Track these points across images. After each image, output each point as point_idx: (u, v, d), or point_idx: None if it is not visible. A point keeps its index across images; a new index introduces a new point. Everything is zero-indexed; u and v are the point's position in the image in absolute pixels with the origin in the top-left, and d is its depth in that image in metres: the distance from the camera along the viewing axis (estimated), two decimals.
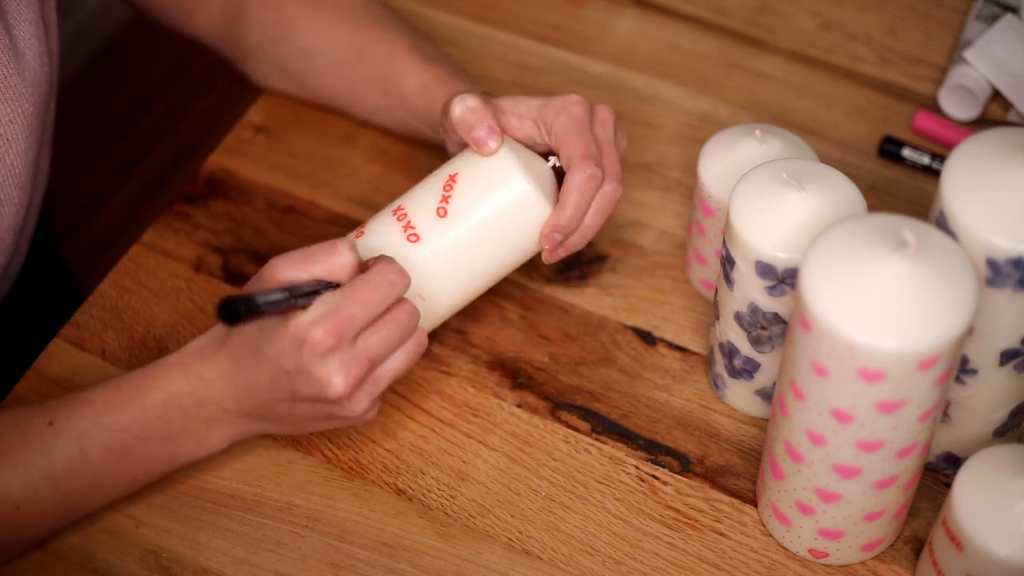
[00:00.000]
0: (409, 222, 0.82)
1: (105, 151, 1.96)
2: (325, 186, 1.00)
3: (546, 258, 0.84)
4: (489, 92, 0.89)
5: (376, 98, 0.95)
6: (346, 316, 0.73)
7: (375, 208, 0.98)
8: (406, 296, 0.78)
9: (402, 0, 1.11)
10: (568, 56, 1.08)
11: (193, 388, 0.78)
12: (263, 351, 0.75)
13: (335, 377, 0.74)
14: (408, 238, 0.81)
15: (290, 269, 0.75)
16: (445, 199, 0.82)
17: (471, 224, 0.82)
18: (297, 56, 0.97)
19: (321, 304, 0.74)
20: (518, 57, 1.08)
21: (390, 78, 0.93)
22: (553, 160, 0.85)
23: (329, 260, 0.75)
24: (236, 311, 0.70)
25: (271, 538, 0.82)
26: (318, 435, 0.86)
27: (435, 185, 0.83)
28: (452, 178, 0.82)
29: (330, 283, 0.75)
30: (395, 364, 0.77)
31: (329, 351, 0.73)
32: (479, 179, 0.82)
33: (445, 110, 0.85)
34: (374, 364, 0.76)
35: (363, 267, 0.77)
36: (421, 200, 0.83)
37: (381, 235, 0.82)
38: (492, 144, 0.82)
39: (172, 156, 1.95)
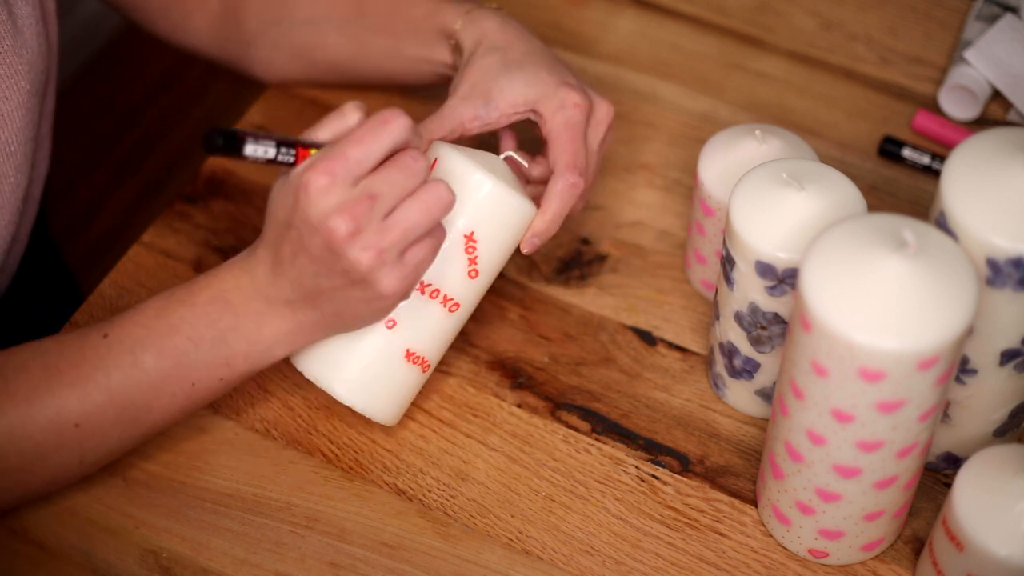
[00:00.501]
0: (445, 296, 0.80)
1: (105, 151, 1.96)
2: None
3: (524, 250, 0.84)
4: (500, 6, 0.90)
5: (384, 43, 0.93)
6: (338, 155, 0.72)
7: None
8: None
9: None
10: (568, 56, 1.07)
11: (237, 281, 0.77)
12: (275, 215, 0.75)
13: (332, 215, 0.72)
14: (449, 310, 0.81)
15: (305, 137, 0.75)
16: (473, 261, 0.80)
17: (496, 264, 0.82)
18: (301, 29, 0.96)
19: (319, 153, 0.74)
20: None
21: (396, 14, 0.92)
22: (506, 153, 0.85)
23: (334, 123, 0.75)
24: (216, 141, 0.71)
25: (271, 538, 0.82)
26: (318, 435, 0.86)
27: (456, 250, 0.80)
28: (470, 238, 0.80)
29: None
30: (408, 212, 0.74)
31: (323, 190, 0.72)
32: (492, 223, 0.80)
33: (458, 48, 0.87)
34: (376, 205, 0.73)
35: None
36: (447, 270, 0.80)
37: (424, 319, 0.80)
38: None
39: (172, 156, 1.95)
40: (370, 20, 0.94)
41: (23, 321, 1.08)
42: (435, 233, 0.76)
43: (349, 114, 0.76)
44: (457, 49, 0.89)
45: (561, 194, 0.83)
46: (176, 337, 0.77)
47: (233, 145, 0.73)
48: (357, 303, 0.76)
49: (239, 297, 0.77)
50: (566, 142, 0.83)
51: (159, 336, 0.77)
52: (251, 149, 0.73)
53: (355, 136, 0.73)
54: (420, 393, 0.88)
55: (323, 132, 0.76)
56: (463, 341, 0.91)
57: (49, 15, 0.91)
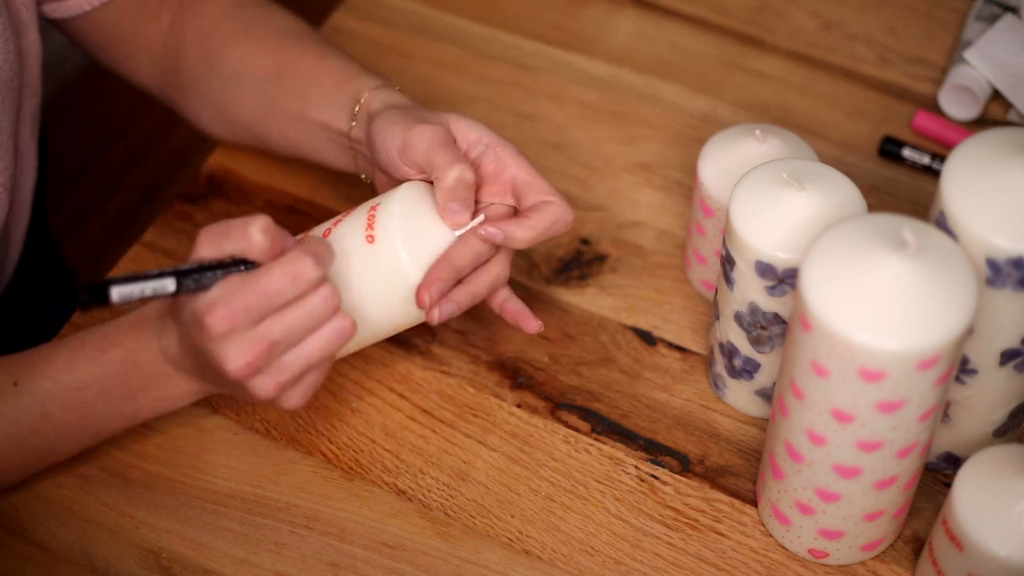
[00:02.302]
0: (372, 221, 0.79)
1: (105, 151, 1.96)
2: (325, 186, 1.00)
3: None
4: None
5: (293, 105, 0.90)
6: (239, 303, 0.71)
7: None
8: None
9: (403, 0, 1.11)
10: (568, 56, 1.08)
11: (148, 345, 0.78)
12: (183, 322, 0.75)
13: (229, 359, 0.72)
14: (367, 238, 0.79)
15: (208, 246, 0.73)
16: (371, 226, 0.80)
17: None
18: (225, 85, 0.94)
19: (221, 287, 0.72)
20: (518, 57, 1.08)
21: (313, 77, 0.90)
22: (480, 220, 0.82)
23: (240, 241, 0.73)
24: (86, 298, 0.70)
25: (271, 538, 0.82)
26: (318, 435, 0.86)
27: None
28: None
29: (246, 260, 0.73)
30: (308, 350, 0.74)
31: (223, 335, 0.72)
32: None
33: (360, 114, 0.85)
34: (276, 348, 0.73)
35: (282, 250, 0.74)
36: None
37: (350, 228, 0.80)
38: (464, 218, 0.80)
39: (172, 156, 1.95)
40: (287, 80, 0.91)
41: (23, 322, 1.08)
42: (334, 356, 0.76)
43: (254, 235, 0.73)
44: (359, 116, 0.87)
45: (555, 222, 0.81)
46: (86, 393, 0.78)
47: (101, 295, 0.70)
48: (240, 393, 0.77)
49: (148, 359, 0.78)
50: (541, 179, 0.82)
51: (68, 391, 0.78)
52: (117, 295, 0.71)
53: (260, 285, 0.72)
54: (420, 393, 0.88)
55: (230, 245, 0.73)
56: (463, 341, 0.91)
57: (24, 25, 0.90)
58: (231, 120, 0.95)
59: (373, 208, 0.80)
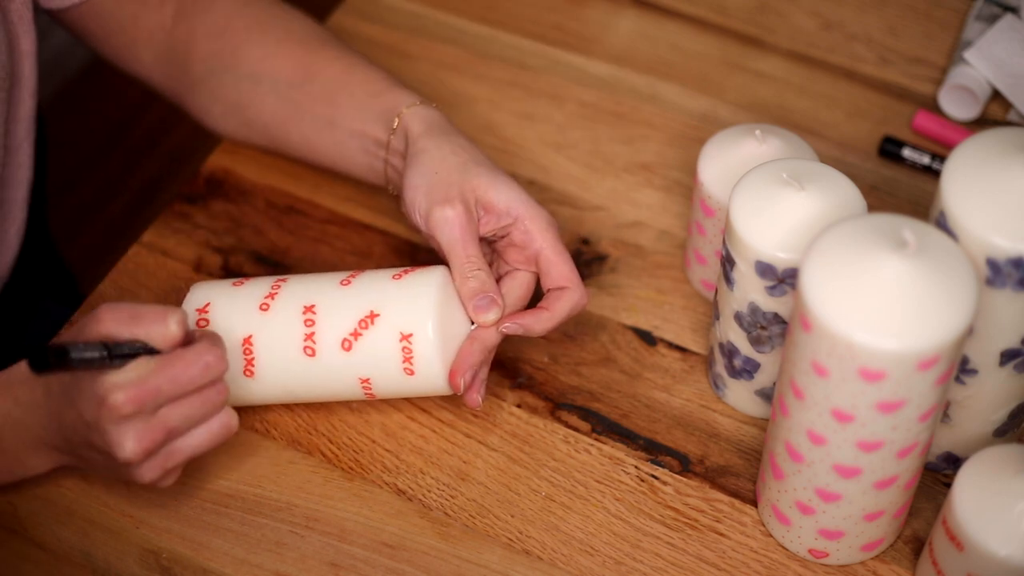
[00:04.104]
0: (313, 334, 0.80)
1: (105, 151, 1.96)
2: (325, 186, 1.00)
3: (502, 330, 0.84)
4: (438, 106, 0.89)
5: (321, 112, 0.91)
6: (152, 387, 0.72)
7: (374, 208, 0.98)
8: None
9: (403, 0, 1.11)
10: (568, 56, 1.08)
11: (8, 411, 0.78)
12: (70, 395, 0.74)
13: (127, 442, 0.72)
14: (305, 350, 0.80)
15: (114, 324, 0.73)
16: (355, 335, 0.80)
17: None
18: (242, 84, 0.93)
19: (133, 369, 0.72)
20: (518, 57, 1.08)
21: (344, 85, 0.90)
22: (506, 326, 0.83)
23: (154, 327, 0.73)
24: (46, 360, 0.69)
25: (271, 538, 0.82)
26: (318, 435, 0.86)
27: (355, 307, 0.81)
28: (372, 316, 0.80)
29: (150, 347, 0.73)
30: (195, 441, 0.75)
31: (126, 417, 0.72)
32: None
33: (400, 130, 0.86)
34: (171, 436, 0.74)
35: (189, 338, 0.75)
36: (336, 315, 0.81)
37: (280, 326, 0.81)
38: (492, 316, 0.82)
39: (172, 156, 1.95)
40: (315, 87, 0.91)
41: (23, 322, 1.08)
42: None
43: (171, 325, 0.73)
44: (397, 131, 0.87)
45: (572, 309, 0.83)
46: None
47: (59, 367, 0.70)
48: (116, 474, 0.77)
49: (7, 423, 0.78)
50: (565, 260, 0.84)
51: None
52: (76, 364, 0.71)
53: (171, 372, 0.72)
54: None
55: (140, 330, 0.73)
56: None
57: (17, 26, 0.90)
58: (247, 120, 0.95)
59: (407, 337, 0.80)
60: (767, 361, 0.83)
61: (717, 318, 0.85)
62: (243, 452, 0.86)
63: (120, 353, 0.72)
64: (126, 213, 1.89)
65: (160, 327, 0.73)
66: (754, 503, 0.83)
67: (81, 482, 0.84)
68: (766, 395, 0.85)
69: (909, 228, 0.68)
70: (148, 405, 0.72)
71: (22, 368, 0.78)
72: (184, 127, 1.98)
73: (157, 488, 0.83)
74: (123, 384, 0.72)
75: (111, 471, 0.77)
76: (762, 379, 0.84)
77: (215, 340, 0.75)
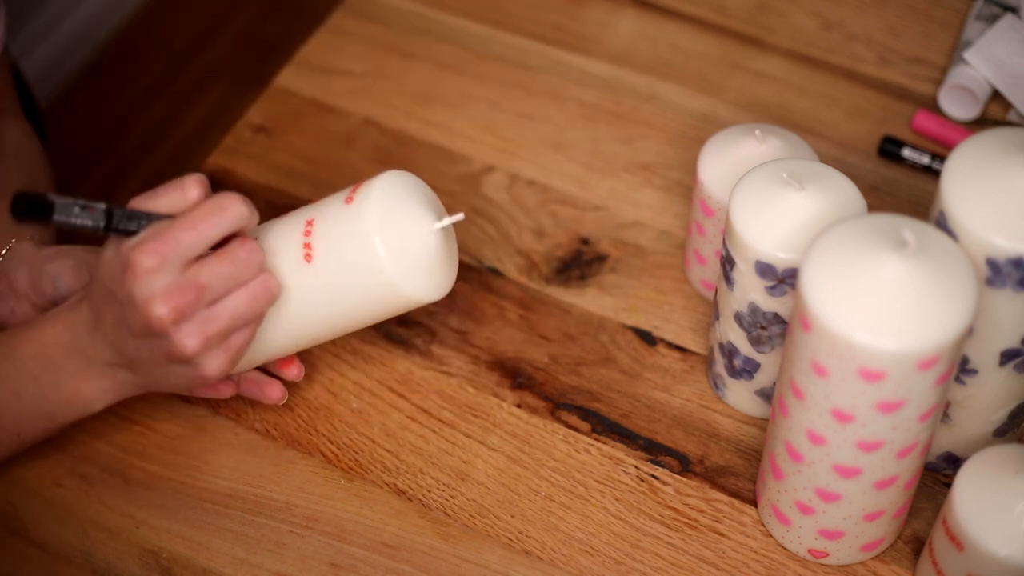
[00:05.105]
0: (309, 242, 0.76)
1: (105, 151, 1.96)
2: (325, 186, 1.00)
3: None
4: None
5: None
6: (170, 238, 0.69)
7: None
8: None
9: (403, 0, 1.11)
10: (568, 56, 1.08)
11: (60, 337, 0.76)
12: (102, 280, 0.73)
13: (156, 300, 0.70)
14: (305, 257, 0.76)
15: (140, 203, 0.72)
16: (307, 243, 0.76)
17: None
18: None
19: (151, 229, 0.71)
20: (518, 57, 1.08)
21: None
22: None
23: (173, 194, 0.72)
24: (25, 206, 0.68)
25: (271, 538, 0.82)
26: (318, 435, 0.86)
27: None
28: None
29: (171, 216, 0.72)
30: (235, 303, 0.72)
31: (150, 272, 0.69)
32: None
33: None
34: (204, 295, 0.71)
35: None
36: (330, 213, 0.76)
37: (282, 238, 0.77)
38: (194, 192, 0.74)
39: (172, 156, 1.95)
40: None
41: None
42: (260, 318, 0.75)
43: (189, 188, 0.72)
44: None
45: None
46: (0, 391, 0.77)
47: (41, 211, 0.69)
48: (178, 377, 0.75)
49: (59, 353, 0.76)
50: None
51: None
52: (61, 216, 0.70)
53: (189, 219, 0.70)
54: (420, 393, 0.88)
55: (160, 202, 0.72)
56: (463, 341, 0.91)
57: None
58: None
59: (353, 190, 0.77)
60: (767, 361, 0.83)
61: (717, 318, 0.85)
62: (243, 452, 0.86)
63: (122, 227, 0.70)
64: None
65: (179, 193, 0.72)
66: (754, 503, 0.83)
67: (81, 482, 0.84)
68: (766, 395, 0.85)
69: (909, 228, 0.68)
70: (170, 257, 0.70)
71: (71, 299, 0.77)
72: (184, 127, 1.98)
73: (156, 487, 0.84)
74: (142, 240, 0.70)
75: (161, 361, 0.73)
76: (762, 379, 0.84)
77: (234, 194, 0.72)
